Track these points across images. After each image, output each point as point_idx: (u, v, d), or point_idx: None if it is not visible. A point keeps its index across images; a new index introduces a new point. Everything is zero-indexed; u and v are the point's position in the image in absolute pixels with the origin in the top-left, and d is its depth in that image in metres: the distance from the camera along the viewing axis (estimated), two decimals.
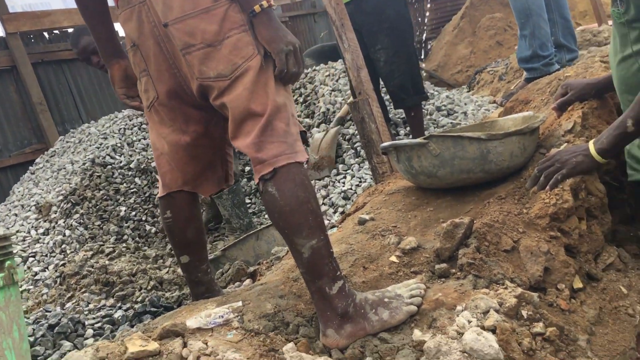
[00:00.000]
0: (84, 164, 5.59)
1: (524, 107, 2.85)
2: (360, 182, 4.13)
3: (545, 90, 2.74)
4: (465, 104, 5.17)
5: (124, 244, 3.57)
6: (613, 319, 1.82)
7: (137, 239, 4.91)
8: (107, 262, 3.25)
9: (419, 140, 2.08)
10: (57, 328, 2.51)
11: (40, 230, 5.19)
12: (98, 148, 5.83)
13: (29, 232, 5.24)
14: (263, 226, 3.03)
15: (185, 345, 1.56)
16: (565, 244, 1.87)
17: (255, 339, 1.58)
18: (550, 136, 2.25)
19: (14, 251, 1.24)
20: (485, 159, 2.02)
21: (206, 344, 1.55)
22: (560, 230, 1.88)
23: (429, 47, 9.16)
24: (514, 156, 2.05)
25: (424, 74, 7.46)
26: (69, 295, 3.03)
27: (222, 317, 1.67)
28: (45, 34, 7.44)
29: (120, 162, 5.59)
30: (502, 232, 1.84)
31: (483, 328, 1.49)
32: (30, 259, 4.84)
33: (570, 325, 1.69)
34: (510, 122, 2.38)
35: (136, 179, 5.46)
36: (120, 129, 6.26)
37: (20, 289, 4.44)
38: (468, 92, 6.20)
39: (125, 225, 5.06)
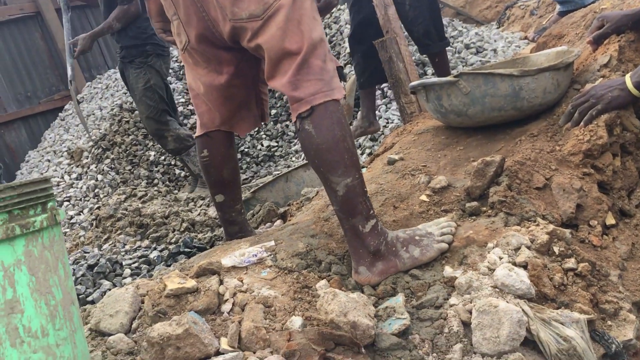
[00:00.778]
0: (112, 109, 5.64)
1: (557, 42, 2.76)
2: (388, 123, 4.10)
3: (580, 24, 2.65)
4: (495, 41, 5.04)
5: (155, 188, 3.64)
6: None
7: (168, 183, 4.99)
8: (140, 205, 3.33)
9: (449, 78, 2.04)
10: (96, 268, 2.60)
11: (73, 175, 5.31)
12: (125, 94, 5.87)
13: (62, 177, 5.37)
14: (291, 168, 3.05)
15: (221, 282, 1.61)
16: (598, 181, 1.85)
17: (289, 276, 1.61)
18: (585, 71, 2.19)
19: (53, 192, 1.28)
20: (517, 96, 1.98)
21: (241, 281, 1.60)
22: (593, 167, 1.86)
23: None
24: (547, 92, 2.00)
25: (452, 12, 7.24)
26: (105, 237, 3.12)
27: (256, 255, 1.71)
28: None
29: None
30: (534, 169, 1.82)
31: (514, 264, 1.50)
32: (66, 203, 4.98)
33: (602, 261, 1.69)
34: (543, 57, 2.31)
35: None
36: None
37: None
38: (498, 28, 6.02)
39: (155, 169, 5.14)
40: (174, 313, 1.53)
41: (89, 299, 2.41)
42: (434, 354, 1.33)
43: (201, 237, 2.92)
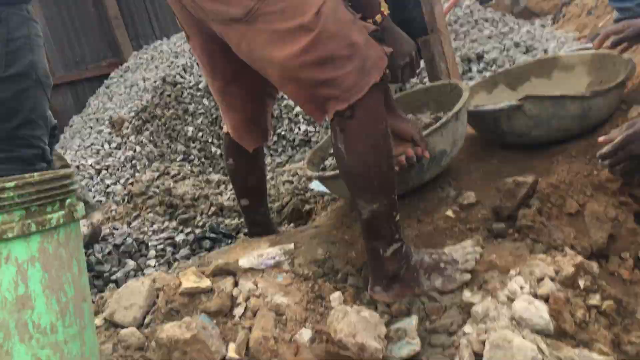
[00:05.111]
0: (155, 81, 5.69)
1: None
2: None
3: None
4: (547, 40, 4.86)
5: (189, 166, 3.67)
6: None
7: (203, 159, 5.02)
8: (172, 184, 3.36)
9: (512, 103, 1.94)
10: (122, 247, 2.65)
11: (113, 145, 5.40)
12: (169, 67, 5.91)
13: (102, 146, 5.47)
14: (459, 105, 2.55)
15: (236, 284, 1.60)
16: (635, 211, 1.77)
17: (304, 284, 1.60)
18: (634, 90, 2.09)
19: (75, 187, 1.28)
20: (585, 116, 1.90)
21: (256, 285, 1.59)
22: (631, 196, 1.77)
23: None
24: (610, 108, 1.96)
25: (504, 4, 7.02)
26: (136, 214, 3.16)
27: (274, 258, 1.71)
28: None
29: (190, 82, 5.64)
30: (568, 194, 1.75)
31: (536, 296, 1.45)
32: (103, 172, 5.08)
33: (630, 297, 1.62)
34: (576, 59, 2.21)
35: (204, 100, 5.53)
36: (190, 48, 6.29)
37: (94, 199, 4.70)
38: (552, 25, 5.81)
39: (192, 145, 5.18)
40: (187, 312, 1.54)
41: (113, 277, 2.45)
42: None
43: (228, 223, 2.93)
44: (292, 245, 1.77)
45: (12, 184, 1.12)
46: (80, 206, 1.29)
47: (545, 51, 4.58)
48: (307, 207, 2.50)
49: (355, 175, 1.46)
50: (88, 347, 1.26)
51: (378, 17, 1.53)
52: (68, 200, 1.23)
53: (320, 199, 2.52)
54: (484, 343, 1.34)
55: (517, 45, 4.65)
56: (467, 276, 1.53)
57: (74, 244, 1.25)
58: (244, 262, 1.68)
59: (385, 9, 1.56)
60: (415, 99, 2.13)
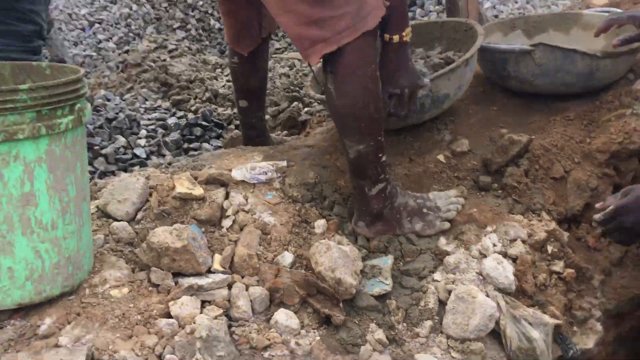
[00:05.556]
0: None
1: (631, 6, 2.59)
2: None
3: None
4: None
5: (186, 43, 3.60)
6: (635, 265, 1.86)
7: (201, 31, 4.89)
8: (168, 59, 3.31)
9: (523, 46, 1.93)
10: (114, 122, 2.66)
11: None
12: None
13: None
14: (470, 52, 2.71)
15: (227, 196, 1.66)
16: (615, 183, 1.85)
17: (292, 206, 1.67)
18: None
19: (85, 91, 1.29)
20: (591, 75, 1.92)
21: (246, 199, 1.65)
22: (615, 169, 1.85)
23: None
24: (617, 75, 1.98)
25: None
26: (129, 86, 3.14)
27: (266, 173, 1.75)
28: None
29: None
30: (557, 158, 1.81)
31: (505, 255, 1.56)
32: (96, 25, 4.94)
33: (590, 263, 1.74)
34: (598, 19, 2.18)
35: None
36: None
37: (84, 52, 4.61)
38: None
39: (191, 14, 5.02)
40: (178, 215, 1.60)
41: (103, 152, 2.48)
42: (404, 324, 1.42)
43: (221, 112, 2.95)
44: (284, 163, 1.82)
45: (25, 86, 1.13)
46: (88, 108, 1.31)
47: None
48: (302, 117, 2.52)
49: (344, 115, 1.49)
50: (84, 242, 1.34)
51: (396, 37, 1.52)
52: (78, 105, 1.24)
53: (317, 113, 2.53)
54: (449, 292, 1.46)
55: None
56: (447, 225, 1.62)
57: (79, 146, 1.28)
58: (237, 174, 1.73)
59: (407, 35, 1.54)
60: (428, 32, 2.10)
